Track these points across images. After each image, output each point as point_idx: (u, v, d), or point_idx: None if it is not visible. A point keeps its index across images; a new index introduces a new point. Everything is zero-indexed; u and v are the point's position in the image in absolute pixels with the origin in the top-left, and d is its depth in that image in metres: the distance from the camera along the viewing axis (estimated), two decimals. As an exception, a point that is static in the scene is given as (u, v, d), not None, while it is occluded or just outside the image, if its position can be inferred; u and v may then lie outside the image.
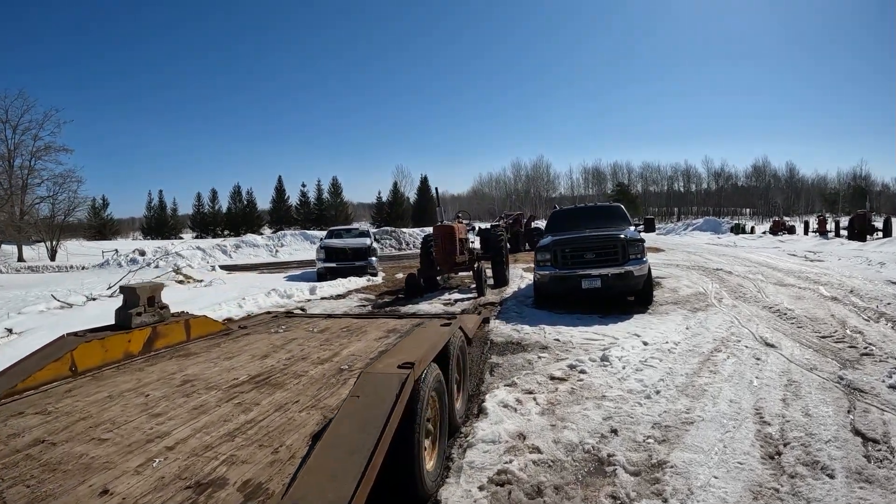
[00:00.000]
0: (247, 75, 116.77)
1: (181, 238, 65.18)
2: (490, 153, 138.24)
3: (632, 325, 6.27)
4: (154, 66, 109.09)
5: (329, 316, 5.64)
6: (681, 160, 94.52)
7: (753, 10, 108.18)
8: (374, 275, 14.09)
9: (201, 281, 13.54)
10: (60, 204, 31.37)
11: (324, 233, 21.23)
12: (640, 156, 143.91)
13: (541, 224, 25.20)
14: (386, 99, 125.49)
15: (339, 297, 10.68)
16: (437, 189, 10.07)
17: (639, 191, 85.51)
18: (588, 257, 7.42)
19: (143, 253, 29.40)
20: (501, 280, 11.04)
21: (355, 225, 17.58)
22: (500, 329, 6.38)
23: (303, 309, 8.57)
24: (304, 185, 76.08)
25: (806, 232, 33.73)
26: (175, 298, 10.60)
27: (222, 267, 22.60)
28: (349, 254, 14.17)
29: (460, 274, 11.54)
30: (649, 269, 7.62)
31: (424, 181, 75.65)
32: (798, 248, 20.65)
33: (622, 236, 7.49)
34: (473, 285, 10.10)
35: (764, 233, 35.77)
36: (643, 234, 8.24)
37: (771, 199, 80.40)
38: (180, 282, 12.81)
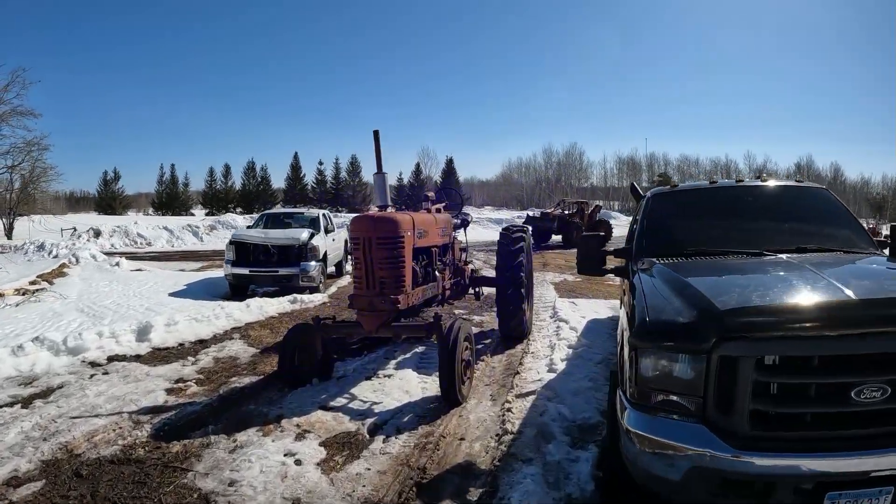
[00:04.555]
0: (267, 48, 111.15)
1: (192, 214, 61.82)
2: (521, 137, 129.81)
3: None
4: (171, 36, 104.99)
5: None
6: (721, 154, 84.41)
7: (804, 7, 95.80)
8: (315, 289, 8.71)
9: (28, 293, 8.50)
10: (18, 174, 26.72)
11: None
12: (676, 147, 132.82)
13: (615, 218, 22.56)
14: (415, 80, 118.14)
15: (196, 345, 5.36)
16: (376, 132, 4.18)
17: (677, 184, 77.39)
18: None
19: (98, 233, 24.96)
20: (514, 330, 5.52)
21: (312, 210, 11.65)
22: None
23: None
24: (321, 163, 71.51)
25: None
26: None
27: (167, 255, 17.86)
28: (273, 254, 8.79)
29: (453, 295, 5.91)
30: None
31: (450, 163, 70.29)
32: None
33: None
34: (477, 317, 4.71)
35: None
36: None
37: (819, 202, 71.59)
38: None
